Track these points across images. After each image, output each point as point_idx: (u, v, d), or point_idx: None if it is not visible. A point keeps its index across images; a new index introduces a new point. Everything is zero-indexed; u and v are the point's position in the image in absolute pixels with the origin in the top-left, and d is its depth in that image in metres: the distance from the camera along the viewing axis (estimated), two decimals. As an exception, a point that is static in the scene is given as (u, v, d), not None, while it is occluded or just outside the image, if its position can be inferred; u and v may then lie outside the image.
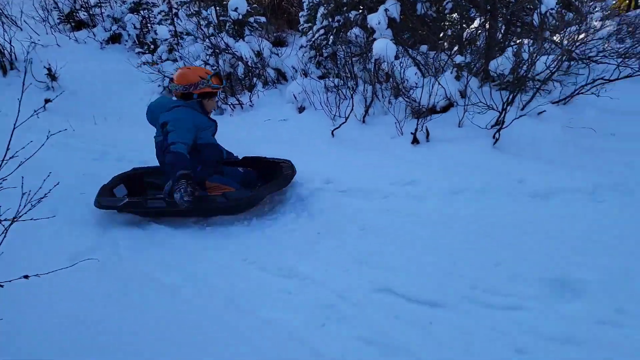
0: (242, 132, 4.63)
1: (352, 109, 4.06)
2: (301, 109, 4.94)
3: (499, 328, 1.80)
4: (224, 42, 5.25)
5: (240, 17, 5.43)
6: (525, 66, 4.12)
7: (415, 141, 3.63)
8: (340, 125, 4.03)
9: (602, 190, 2.74)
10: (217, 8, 5.55)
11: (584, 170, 3.01)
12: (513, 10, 4.65)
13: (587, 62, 5.44)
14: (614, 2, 14.38)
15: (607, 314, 1.79)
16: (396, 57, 4.66)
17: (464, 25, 6.05)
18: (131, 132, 4.69)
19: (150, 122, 3.03)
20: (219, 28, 5.54)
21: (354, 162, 3.45)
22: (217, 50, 5.26)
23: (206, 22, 5.58)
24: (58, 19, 7.11)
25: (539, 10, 4.25)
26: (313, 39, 6.04)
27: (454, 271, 2.15)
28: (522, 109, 3.85)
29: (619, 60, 5.43)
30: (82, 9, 7.10)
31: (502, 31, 5.44)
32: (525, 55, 3.98)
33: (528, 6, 4.71)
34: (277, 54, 6.04)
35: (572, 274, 2.04)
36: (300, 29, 6.65)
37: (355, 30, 5.51)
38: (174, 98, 2.99)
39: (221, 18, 5.51)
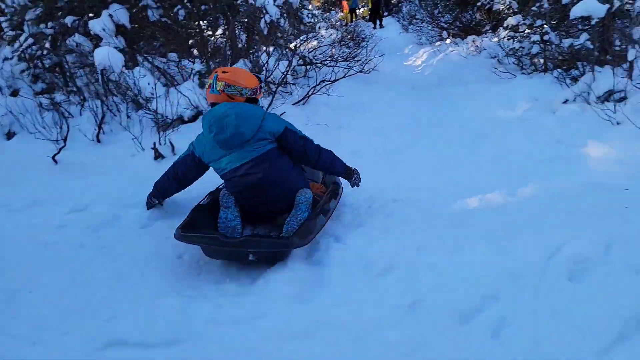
0: None
1: (68, 132, 3.36)
2: (10, 135, 3.88)
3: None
4: None
5: None
6: (265, 72, 4.27)
7: (158, 156, 3.24)
8: (59, 150, 3.27)
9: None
10: None
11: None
12: (243, 20, 4.77)
13: (320, 66, 6.13)
14: (340, 15, 17.20)
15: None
16: (128, 67, 4.15)
17: (209, 32, 5.98)
18: None
19: (230, 139, 2.20)
20: None
21: (84, 195, 2.82)
22: None
23: None
24: None
25: (264, 20, 4.46)
26: (21, 49, 4.88)
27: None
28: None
29: (345, 63, 6.33)
30: None
31: (244, 39, 5.60)
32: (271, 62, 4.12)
33: (258, 15, 4.90)
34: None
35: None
36: (3, 37, 5.32)
37: (78, 38, 4.70)
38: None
39: None
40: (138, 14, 5.14)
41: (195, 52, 6.10)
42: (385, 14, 15.66)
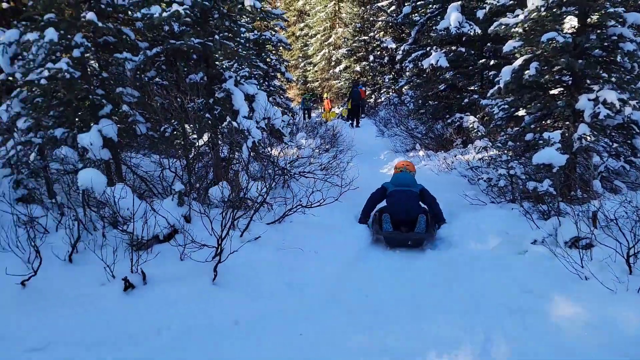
0: None
1: (40, 261, 3.37)
2: (-18, 251, 3.84)
3: None
4: None
5: None
6: (244, 191, 4.47)
7: (129, 286, 3.25)
8: (29, 277, 3.27)
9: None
10: None
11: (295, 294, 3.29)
12: (229, 142, 5.09)
13: (298, 177, 6.43)
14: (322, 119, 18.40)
15: None
16: (110, 184, 4.31)
17: (194, 136, 6.27)
18: None
19: (401, 185, 5.21)
20: None
21: (49, 330, 2.77)
22: None
23: None
24: None
25: (246, 144, 4.78)
26: (8, 156, 5.04)
27: None
28: (241, 236, 4.07)
29: (321, 173, 6.64)
30: None
31: (227, 152, 5.90)
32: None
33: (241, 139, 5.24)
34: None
35: None
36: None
37: (64, 150, 4.91)
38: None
39: None
40: (127, 128, 5.45)
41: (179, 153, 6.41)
42: (363, 115, 16.82)
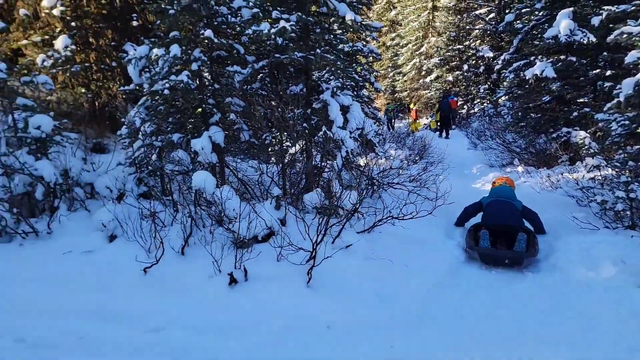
0: (27, 268, 3.88)
1: (163, 252, 3.81)
2: (112, 238, 4.46)
3: None
4: (20, 162, 4.57)
5: (45, 135, 4.89)
6: (336, 200, 4.61)
7: (233, 281, 3.54)
8: (151, 265, 3.71)
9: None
10: (15, 124, 4.92)
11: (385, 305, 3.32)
12: (322, 151, 5.28)
13: (387, 188, 6.43)
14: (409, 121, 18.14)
15: None
16: (217, 186, 4.72)
17: (286, 146, 6.60)
18: None
19: (502, 196, 5.20)
20: (18, 146, 4.86)
21: (165, 314, 3.13)
22: (10, 171, 4.53)
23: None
24: None
25: (340, 154, 4.92)
26: (133, 157, 5.77)
27: None
28: (333, 242, 4.20)
29: (411, 185, 6.57)
30: None
31: (319, 160, 6.12)
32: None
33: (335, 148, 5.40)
34: (90, 170, 5.55)
35: None
36: (121, 143, 6.33)
37: (179, 153, 5.49)
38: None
39: (19, 135, 4.85)
40: (232, 135, 5.93)
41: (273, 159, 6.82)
42: (453, 127, 16.24)
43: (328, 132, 5.08)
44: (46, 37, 7.71)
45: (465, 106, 18.03)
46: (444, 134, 15.41)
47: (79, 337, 2.85)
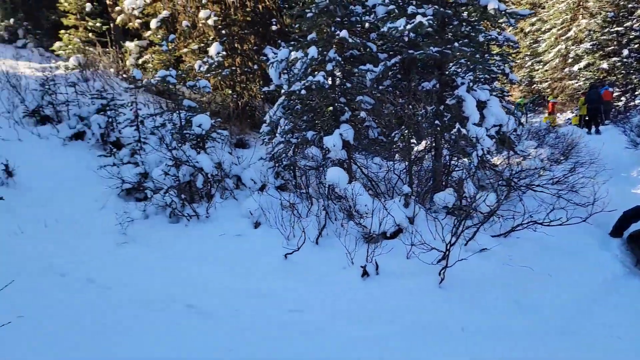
0: (193, 246, 4.56)
1: (304, 241, 4.12)
2: (257, 225, 4.97)
3: None
4: (186, 155, 5.38)
5: (204, 132, 5.66)
6: (469, 201, 4.44)
7: (365, 274, 3.68)
8: (292, 252, 4.06)
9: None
10: (181, 122, 5.79)
11: (523, 314, 3.12)
12: (453, 149, 5.10)
13: (525, 190, 5.93)
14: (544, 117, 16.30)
15: None
16: (349, 182, 4.91)
17: (412, 144, 6.53)
18: (75, 243, 4.52)
19: None
20: (182, 141, 5.72)
21: (303, 297, 3.41)
22: (179, 162, 5.36)
23: (170, 135, 5.77)
24: (23, 113, 7.14)
25: (476, 153, 4.69)
26: (272, 152, 6.32)
27: None
28: (466, 244, 4.05)
29: (554, 188, 5.95)
30: (50, 104, 7.19)
31: (447, 159, 5.93)
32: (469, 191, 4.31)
33: (467, 146, 5.17)
34: (237, 163, 6.24)
35: None
36: (262, 139, 6.99)
37: (313, 150, 5.84)
38: None
39: (185, 132, 5.72)
40: (361, 132, 6.10)
41: (397, 156, 6.81)
42: (607, 122, 14.07)
43: (462, 129, 4.89)
44: (202, 44, 8.90)
45: (622, 98, 15.47)
46: (592, 130, 13.48)
47: (235, 309, 3.28)
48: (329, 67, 5.69)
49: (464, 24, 5.20)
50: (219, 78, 8.25)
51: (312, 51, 5.61)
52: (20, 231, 4.71)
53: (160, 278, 3.86)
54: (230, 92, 8.92)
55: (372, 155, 6.97)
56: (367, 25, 5.93)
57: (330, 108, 6.21)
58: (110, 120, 6.99)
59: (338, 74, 6.27)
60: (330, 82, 5.98)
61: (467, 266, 3.66)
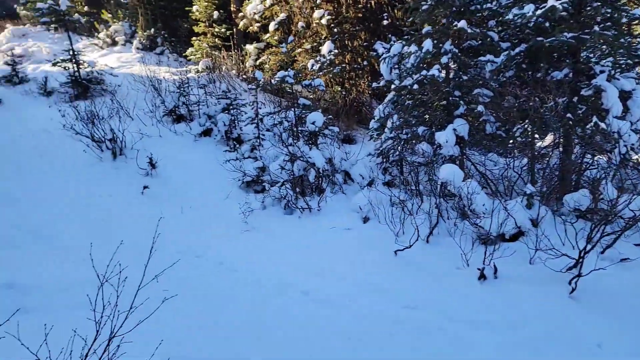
0: (307, 237, 4.81)
1: (417, 238, 4.06)
2: (365, 219, 5.05)
3: None
4: (300, 151, 5.67)
5: (317, 129, 5.90)
6: (607, 203, 3.94)
7: (482, 277, 3.52)
8: (404, 248, 4.04)
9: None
10: (296, 119, 6.10)
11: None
12: (587, 145, 4.56)
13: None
14: None
15: None
16: (463, 179, 4.70)
17: (535, 139, 5.98)
18: (206, 228, 5.05)
19: None
20: (296, 138, 6.04)
21: (416, 294, 3.39)
22: (294, 158, 5.68)
23: (287, 133, 6.13)
24: (163, 112, 8.20)
25: (618, 149, 4.14)
26: (381, 148, 6.33)
27: None
28: (603, 252, 3.62)
29: None
30: (184, 105, 8.14)
31: (579, 156, 5.32)
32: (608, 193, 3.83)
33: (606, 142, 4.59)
34: (346, 159, 6.38)
35: None
36: (370, 135, 7.03)
37: (423, 146, 5.70)
38: None
39: (299, 128, 6.03)
40: (477, 127, 5.77)
41: (516, 152, 6.31)
42: None
43: (600, 123, 4.35)
44: (314, 44, 9.23)
45: None
46: None
47: (349, 300, 3.39)
48: (445, 59, 5.49)
49: (605, 4, 4.59)
50: (330, 75, 8.48)
51: (427, 44, 5.47)
52: (162, 215, 5.43)
53: (278, 264, 4.15)
54: (339, 88, 9.12)
55: (487, 151, 6.57)
56: (486, 13, 5.59)
57: (444, 102, 5.99)
58: (233, 118, 7.67)
59: (453, 66, 6.02)
60: (444, 75, 5.77)
61: (604, 276, 3.27)
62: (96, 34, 13.94)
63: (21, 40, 14.03)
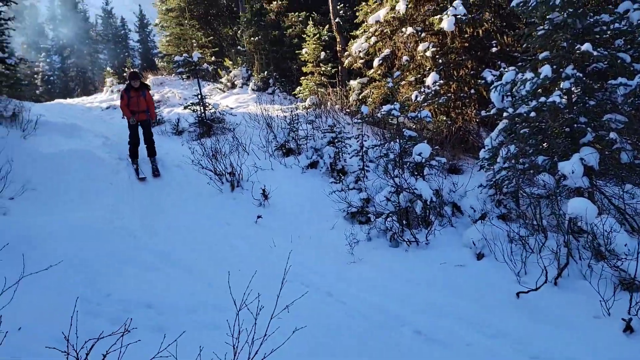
0: (415, 271, 4.67)
1: (545, 280, 3.69)
2: (480, 256, 4.75)
3: None
4: (406, 182, 5.62)
5: (423, 160, 5.81)
6: None
7: (628, 329, 3.05)
8: (528, 291, 3.70)
9: None
10: (401, 151, 6.09)
11: None
12: None
13: None
14: None
15: None
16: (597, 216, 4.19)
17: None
18: (314, 258, 5.21)
19: None
20: (402, 169, 6.00)
21: (546, 344, 3.05)
22: (400, 189, 5.64)
23: (392, 164, 6.14)
24: (274, 147, 8.84)
25: None
26: (494, 179, 5.95)
27: None
28: None
29: None
30: (293, 139, 8.68)
31: None
32: None
33: None
34: (454, 190, 6.13)
35: None
36: (479, 165, 6.67)
37: (544, 177, 5.24)
38: None
39: (404, 160, 5.99)
40: (609, 156, 5.15)
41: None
42: None
43: None
44: (418, 75, 9.23)
45: None
46: None
47: (466, 343, 3.18)
48: (566, 85, 5.08)
49: None
50: (435, 105, 8.36)
51: (545, 70, 5.12)
52: (274, 244, 5.74)
53: (386, 298, 4.08)
54: (444, 118, 8.92)
55: (622, 182, 5.79)
56: (612, 33, 5.08)
57: (566, 129, 5.50)
58: (337, 150, 7.94)
59: (576, 91, 5.52)
60: (566, 102, 5.31)
61: None
62: (219, 79, 15.71)
63: (159, 88, 16.44)
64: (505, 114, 6.11)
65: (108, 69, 21.14)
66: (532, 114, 5.40)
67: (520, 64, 5.90)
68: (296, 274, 4.82)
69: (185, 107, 10.11)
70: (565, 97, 5.39)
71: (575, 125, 5.27)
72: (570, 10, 5.04)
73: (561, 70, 5.19)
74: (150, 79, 17.49)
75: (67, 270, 3.73)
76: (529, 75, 5.40)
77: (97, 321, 3.12)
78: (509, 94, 6.31)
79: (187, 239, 5.58)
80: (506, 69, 6.85)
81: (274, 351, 1.88)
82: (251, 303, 2.09)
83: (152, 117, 7.95)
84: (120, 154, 8.22)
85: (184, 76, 14.48)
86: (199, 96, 9.78)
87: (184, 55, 9.97)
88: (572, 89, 5.32)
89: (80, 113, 14.12)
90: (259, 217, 6.47)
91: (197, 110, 9.91)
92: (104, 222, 5.60)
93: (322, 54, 11.52)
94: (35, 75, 28.49)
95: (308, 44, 11.56)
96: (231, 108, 11.33)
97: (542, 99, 5.13)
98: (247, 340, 1.80)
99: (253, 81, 14.04)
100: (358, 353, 3.10)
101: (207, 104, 9.90)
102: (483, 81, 8.06)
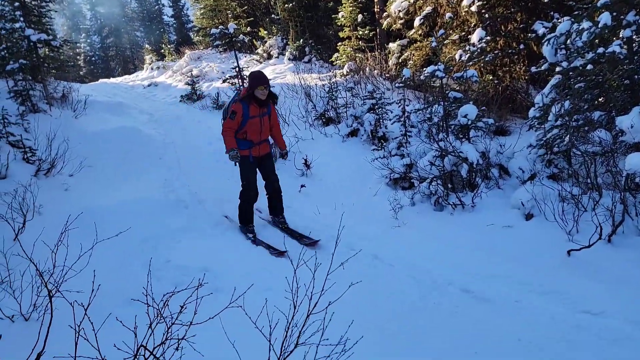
0: (461, 234, 4.66)
1: (600, 237, 3.58)
2: (529, 216, 4.64)
3: None
4: (451, 146, 5.50)
5: (469, 122, 5.63)
6: None
7: (690, 286, 2.93)
8: (580, 248, 3.60)
9: None
10: (446, 114, 5.92)
11: None
12: None
13: None
14: None
15: None
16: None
17: None
18: (359, 225, 5.26)
19: None
20: (446, 132, 5.86)
21: (598, 300, 3.00)
22: (444, 153, 5.54)
23: (436, 127, 6.00)
24: (314, 116, 8.85)
25: None
26: (545, 138, 5.69)
27: None
28: None
29: None
30: (332, 108, 8.65)
31: None
32: None
33: None
34: (501, 152, 5.94)
35: None
36: (529, 124, 6.37)
37: (600, 133, 4.95)
38: None
39: (450, 123, 5.84)
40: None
41: None
42: None
43: None
44: (462, 33, 8.79)
45: None
46: None
47: (515, 300, 3.19)
48: (627, 33, 4.70)
49: None
50: (481, 64, 7.99)
51: (604, 18, 4.74)
52: (319, 212, 5.87)
53: (433, 261, 4.11)
54: (491, 77, 8.52)
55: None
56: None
57: (626, 82, 5.13)
58: (378, 117, 7.84)
59: (638, 40, 5.09)
60: (626, 52, 4.92)
61: None
62: (255, 50, 15.72)
63: (197, 63, 16.71)
64: (558, 69, 5.78)
65: (147, 46, 21.68)
66: (589, 66, 5.06)
67: (576, 13, 5.48)
68: (341, 239, 4.94)
69: (224, 81, 10.27)
70: (626, 46, 4.99)
71: (636, 76, 4.90)
72: (632, -52, 4.59)
73: (622, 17, 4.79)
74: (187, 54, 17.75)
75: (132, 239, 4.03)
76: (585, 24, 5.03)
77: (160, 284, 3.38)
78: (562, 46, 5.94)
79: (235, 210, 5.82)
80: (560, 20, 6.41)
81: (332, 303, 1.98)
82: (309, 260, 2.21)
83: (282, 147, 5.13)
84: (166, 131, 8.57)
85: (220, 49, 14.60)
86: (237, 69, 9.88)
87: (219, 27, 10.03)
88: (634, 37, 4.91)
89: (124, 91, 14.72)
90: (302, 186, 6.60)
91: (235, 83, 10.04)
92: (160, 195, 5.95)
93: (359, 17, 11.19)
94: (78, 57, 29.66)
95: (344, 7, 11.25)
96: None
97: (600, 49, 4.78)
98: (305, 294, 1.91)
99: (289, 50, 13.94)
100: (409, 317, 3.17)
101: (244, 77, 9.99)
102: (534, 35, 7.57)
